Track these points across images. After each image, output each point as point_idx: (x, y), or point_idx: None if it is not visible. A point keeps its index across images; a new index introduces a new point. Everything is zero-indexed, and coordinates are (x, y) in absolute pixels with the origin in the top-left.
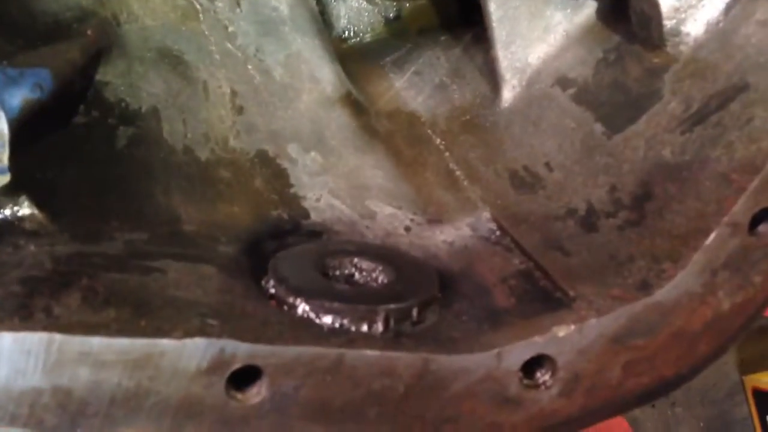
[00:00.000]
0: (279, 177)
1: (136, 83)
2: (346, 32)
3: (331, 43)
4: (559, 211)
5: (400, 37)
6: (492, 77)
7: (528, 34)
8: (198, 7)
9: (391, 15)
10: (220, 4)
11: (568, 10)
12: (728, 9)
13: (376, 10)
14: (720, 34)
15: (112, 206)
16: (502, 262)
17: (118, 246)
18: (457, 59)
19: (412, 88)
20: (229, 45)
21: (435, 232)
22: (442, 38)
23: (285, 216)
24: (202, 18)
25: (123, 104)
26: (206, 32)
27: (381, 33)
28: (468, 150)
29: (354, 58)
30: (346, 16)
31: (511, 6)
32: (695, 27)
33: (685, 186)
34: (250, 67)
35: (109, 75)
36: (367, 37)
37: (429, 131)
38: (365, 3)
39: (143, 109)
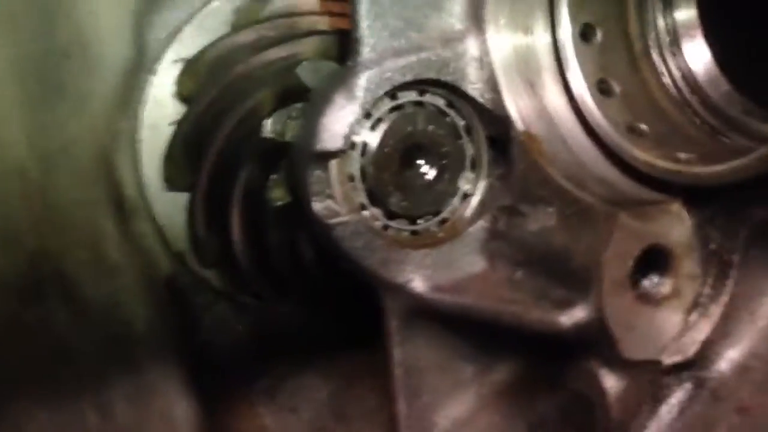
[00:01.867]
0: None
1: None
2: (209, 342)
3: (191, 367)
4: None
5: (270, 356)
6: (389, 428)
7: (436, 386)
8: (32, 318)
9: (260, 323)
10: (60, 316)
11: (482, 365)
12: (684, 409)
13: (242, 316)
14: None
15: None
16: None
17: None
18: (342, 394)
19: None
20: (63, 369)
21: None
22: (322, 361)
23: None
24: (35, 333)
25: None
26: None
27: (249, 343)
28: None
29: (218, 381)
30: (210, 326)
31: (416, 351)
32: (648, 425)
33: None
34: (84, 405)
35: None
36: (235, 349)
37: None
38: (230, 309)
39: None
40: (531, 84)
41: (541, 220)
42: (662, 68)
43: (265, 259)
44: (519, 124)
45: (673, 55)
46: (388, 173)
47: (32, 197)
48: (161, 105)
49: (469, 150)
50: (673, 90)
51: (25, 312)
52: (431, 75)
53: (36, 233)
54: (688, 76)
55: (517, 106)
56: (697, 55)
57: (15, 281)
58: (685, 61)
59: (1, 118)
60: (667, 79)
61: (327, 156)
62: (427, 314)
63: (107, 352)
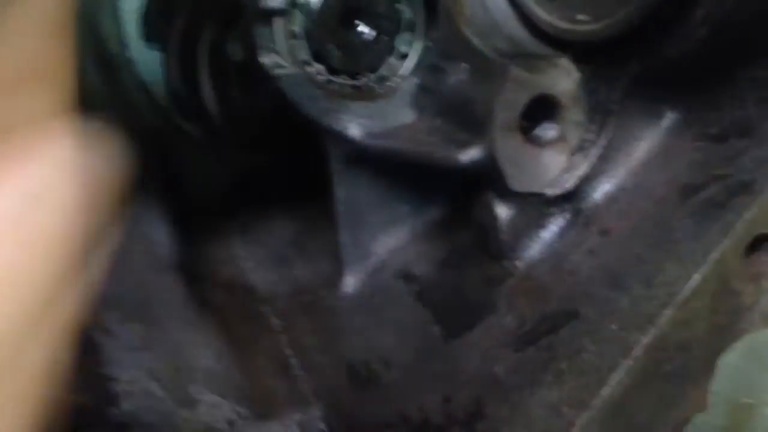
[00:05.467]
0: (91, 353)
1: None
2: (191, 185)
3: (174, 204)
4: (393, 417)
5: (244, 200)
6: (336, 258)
7: (374, 222)
8: None
9: (235, 170)
10: None
11: (416, 205)
12: (562, 233)
13: (220, 164)
14: (553, 256)
15: None
16: None
17: None
18: (303, 231)
19: (253, 258)
20: None
21: (260, 429)
22: (290, 204)
23: (89, 403)
24: None
25: None
26: None
27: (226, 187)
28: (306, 334)
29: (197, 217)
30: (191, 172)
31: (357, 191)
32: (531, 245)
33: (516, 411)
34: None
35: None
36: (214, 192)
37: (266, 308)
38: (209, 158)
39: None
40: None
41: (456, 75)
42: None
43: (232, 111)
44: None
45: None
46: (329, 32)
47: None
48: None
49: (407, 13)
50: None
51: None
52: None
53: None
54: None
55: None
56: None
57: None
58: None
59: None
60: None
61: (270, 13)
62: (365, 159)
63: None
